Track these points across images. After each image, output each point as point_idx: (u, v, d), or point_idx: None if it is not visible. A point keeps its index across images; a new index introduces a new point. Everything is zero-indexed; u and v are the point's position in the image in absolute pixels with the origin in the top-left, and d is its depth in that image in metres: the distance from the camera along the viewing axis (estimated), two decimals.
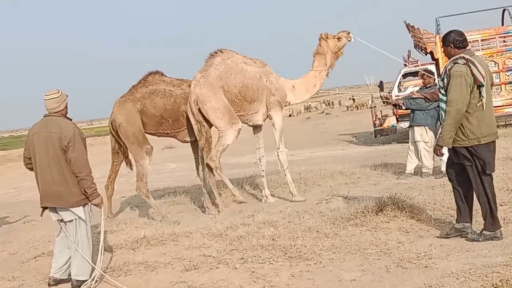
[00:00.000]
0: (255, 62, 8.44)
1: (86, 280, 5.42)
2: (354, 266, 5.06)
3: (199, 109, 7.97)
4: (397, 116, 17.17)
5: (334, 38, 8.55)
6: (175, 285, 5.09)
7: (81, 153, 5.35)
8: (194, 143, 8.72)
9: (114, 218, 8.28)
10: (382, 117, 18.21)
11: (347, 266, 5.08)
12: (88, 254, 5.47)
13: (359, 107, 42.51)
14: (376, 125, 17.81)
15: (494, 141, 5.55)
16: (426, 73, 9.78)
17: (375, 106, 20.68)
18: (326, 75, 8.66)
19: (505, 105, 15.64)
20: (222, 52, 8.32)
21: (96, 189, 5.44)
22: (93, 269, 5.50)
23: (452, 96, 5.34)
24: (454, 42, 5.57)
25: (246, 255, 5.57)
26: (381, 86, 19.73)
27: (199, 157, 8.73)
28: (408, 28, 16.96)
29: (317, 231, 6.19)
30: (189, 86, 8.32)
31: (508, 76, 15.60)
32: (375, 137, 18.01)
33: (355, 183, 9.21)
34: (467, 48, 5.62)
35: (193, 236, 6.58)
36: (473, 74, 5.32)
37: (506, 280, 4.18)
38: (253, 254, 5.59)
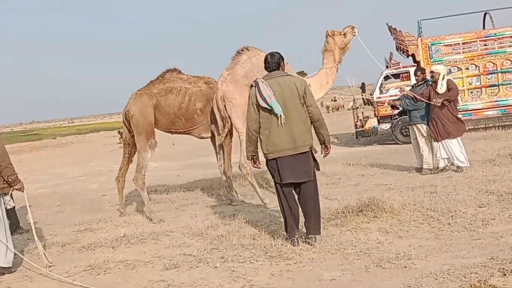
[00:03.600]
0: None
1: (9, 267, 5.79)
2: (334, 265, 5.08)
3: (225, 106, 8.09)
4: (379, 118, 17.26)
5: (340, 34, 8.71)
6: (155, 283, 5.05)
7: (1, 145, 5.86)
8: (213, 139, 8.91)
9: (126, 215, 8.33)
10: (363, 118, 18.30)
11: (327, 266, 5.10)
12: (7, 240, 5.85)
13: (339, 108, 42.47)
14: (358, 126, 17.86)
15: (287, 156, 5.67)
16: (419, 70, 10.05)
17: (357, 108, 20.76)
18: (336, 70, 8.83)
19: (485, 108, 15.81)
20: (248, 50, 8.42)
21: (17, 175, 5.97)
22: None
23: (247, 116, 5.77)
24: (264, 63, 5.89)
25: (226, 254, 5.57)
26: (363, 87, 19.82)
27: (218, 153, 8.93)
28: (390, 30, 17.04)
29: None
30: (206, 83, 8.61)
31: (489, 79, 15.77)
32: (357, 138, 18.06)
33: (336, 184, 9.27)
34: (274, 71, 5.80)
35: (174, 235, 6.58)
36: (255, 96, 5.64)
37: (484, 281, 4.22)
38: (233, 253, 5.59)
